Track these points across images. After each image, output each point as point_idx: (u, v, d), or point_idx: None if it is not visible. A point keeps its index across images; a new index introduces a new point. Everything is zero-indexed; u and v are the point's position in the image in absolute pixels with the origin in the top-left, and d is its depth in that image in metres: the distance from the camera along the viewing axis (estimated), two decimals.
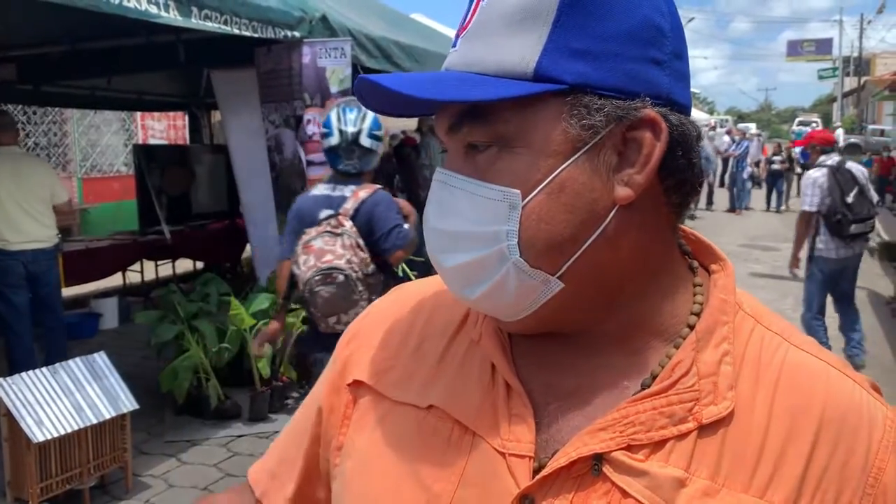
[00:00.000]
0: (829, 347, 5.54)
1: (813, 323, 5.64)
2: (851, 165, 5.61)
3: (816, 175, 5.56)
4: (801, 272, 5.96)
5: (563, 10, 0.59)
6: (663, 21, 0.62)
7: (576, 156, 0.60)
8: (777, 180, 17.05)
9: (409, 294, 0.82)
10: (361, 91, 0.65)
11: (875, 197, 5.79)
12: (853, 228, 5.33)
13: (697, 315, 0.66)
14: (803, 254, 5.84)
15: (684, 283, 0.68)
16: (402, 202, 3.29)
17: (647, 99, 0.61)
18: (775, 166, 16.73)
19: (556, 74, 0.59)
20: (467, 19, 0.65)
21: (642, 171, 0.61)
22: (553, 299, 0.63)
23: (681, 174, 0.64)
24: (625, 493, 0.59)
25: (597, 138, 0.60)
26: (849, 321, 5.72)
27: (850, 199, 5.36)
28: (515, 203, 0.60)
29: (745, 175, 16.97)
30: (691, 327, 0.65)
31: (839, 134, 15.60)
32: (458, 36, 0.66)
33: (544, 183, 0.60)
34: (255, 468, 0.88)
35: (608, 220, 0.61)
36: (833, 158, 5.62)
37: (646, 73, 0.61)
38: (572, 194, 0.60)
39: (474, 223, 0.62)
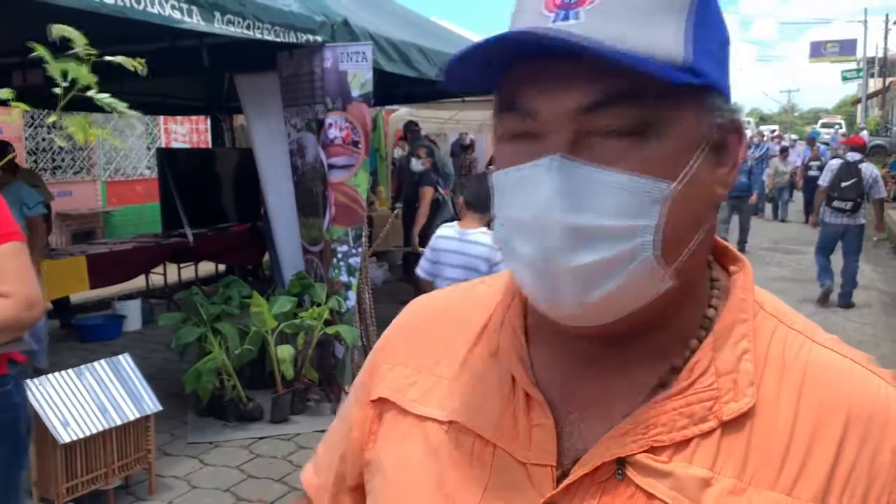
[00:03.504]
0: (831, 274, 8.13)
1: (817, 258, 8.23)
2: (865, 166, 7.82)
3: (833, 162, 8.25)
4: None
5: (699, 8, 0.59)
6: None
7: (703, 152, 0.60)
8: (815, 189, 15.60)
9: (431, 307, 0.83)
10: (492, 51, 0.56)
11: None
12: (834, 203, 7.87)
13: (711, 319, 0.66)
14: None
15: (703, 284, 0.68)
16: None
17: (736, 104, 0.64)
18: (812, 172, 14.59)
19: (703, 68, 0.58)
20: None
21: (730, 172, 0.64)
22: (658, 297, 0.60)
23: None
24: (650, 496, 0.59)
25: (716, 137, 0.61)
26: (846, 272, 8.06)
27: (843, 185, 7.76)
28: (656, 197, 0.57)
29: (763, 177, 16.51)
30: (708, 329, 0.65)
31: (864, 136, 15.24)
32: (566, 7, 0.57)
33: (681, 176, 0.58)
34: (305, 472, 0.90)
35: (709, 217, 0.63)
36: (854, 156, 7.89)
37: (729, 81, 0.64)
38: (698, 190, 0.60)
39: (613, 217, 0.56)
